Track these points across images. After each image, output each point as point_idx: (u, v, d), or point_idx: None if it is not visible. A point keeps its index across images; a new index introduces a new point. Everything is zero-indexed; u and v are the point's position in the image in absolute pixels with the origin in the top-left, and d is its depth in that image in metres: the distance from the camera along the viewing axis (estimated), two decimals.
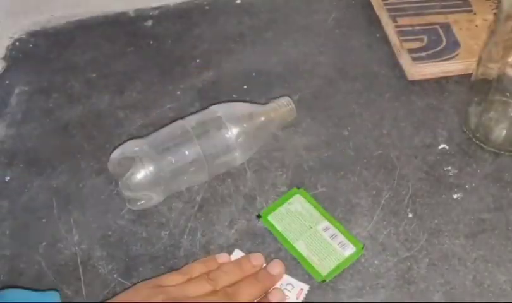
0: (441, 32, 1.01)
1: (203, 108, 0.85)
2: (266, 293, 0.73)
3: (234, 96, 0.94)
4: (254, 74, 0.98)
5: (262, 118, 0.85)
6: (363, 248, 0.78)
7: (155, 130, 0.85)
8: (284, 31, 1.06)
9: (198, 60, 1.00)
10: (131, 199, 0.80)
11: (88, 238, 0.79)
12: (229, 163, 0.83)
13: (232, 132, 0.81)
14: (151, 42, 1.04)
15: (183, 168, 0.80)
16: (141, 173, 0.78)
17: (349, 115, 0.93)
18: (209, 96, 0.95)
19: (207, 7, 1.09)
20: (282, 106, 0.88)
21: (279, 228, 0.79)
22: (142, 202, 0.80)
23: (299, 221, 0.80)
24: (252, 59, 1.00)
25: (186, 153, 0.80)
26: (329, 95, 0.95)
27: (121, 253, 0.78)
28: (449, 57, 0.97)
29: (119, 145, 0.82)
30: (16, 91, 0.96)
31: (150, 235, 0.80)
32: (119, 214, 0.82)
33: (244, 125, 0.82)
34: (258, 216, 0.81)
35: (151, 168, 0.78)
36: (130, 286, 0.74)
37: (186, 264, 0.76)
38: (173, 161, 0.79)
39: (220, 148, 0.81)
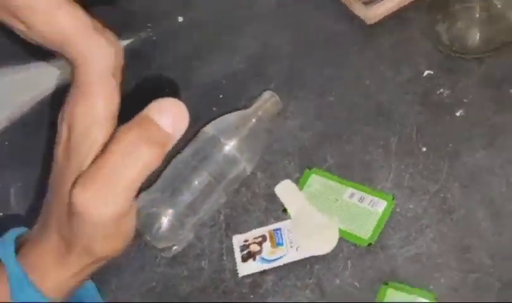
0: None
1: (194, 134, 0.85)
2: None
3: (214, 109, 0.93)
4: (224, 81, 0.97)
5: (253, 120, 0.84)
6: (393, 198, 0.78)
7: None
8: (234, 29, 1.05)
9: (167, 90, 0.99)
10: (165, 248, 0.79)
11: (136, 298, 0.78)
12: (240, 176, 0.82)
13: (231, 144, 0.80)
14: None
15: (199, 198, 0.79)
16: (166, 223, 0.77)
17: (328, 80, 0.92)
18: (209, 96, 0.94)
19: (154, 38, 1.08)
20: (267, 101, 0.87)
21: None
22: (176, 247, 0.79)
23: (324, 198, 0.80)
24: (216, 68, 0.99)
25: (196, 183, 0.79)
26: (301, 71, 0.94)
27: (172, 298, 0.77)
28: None
29: None
30: None
31: (191, 270, 0.79)
32: (155, 262, 0.81)
33: (239, 133, 0.82)
34: (284, 210, 0.80)
35: (171, 213, 0.77)
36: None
37: (236, 283, 0.76)
38: (187, 196, 0.78)
39: (225, 165, 0.80)
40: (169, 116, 0.49)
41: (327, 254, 0.76)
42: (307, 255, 0.76)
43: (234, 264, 0.78)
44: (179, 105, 0.49)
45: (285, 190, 0.82)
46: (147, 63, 1.05)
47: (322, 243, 0.77)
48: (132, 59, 1.06)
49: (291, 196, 0.81)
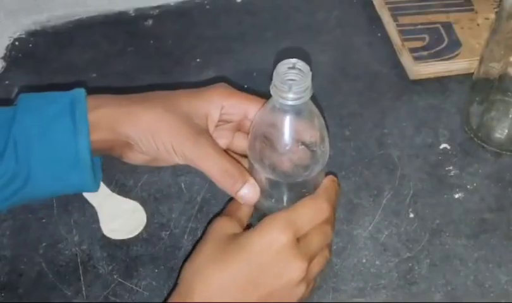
0: (442, 31, 1.00)
1: None
2: None
3: None
4: (255, 74, 0.97)
5: None
6: None
7: None
8: (284, 30, 1.06)
9: (198, 60, 1.00)
10: None
11: (89, 238, 0.79)
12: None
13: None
14: (151, 42, 1.04)
15: None
16: None
17: (351, 114, 0.93)
18: None
19: (208, 7, 1.09)
20: None
21: None
22: None
23: None
24: (253, 58, 1.00)
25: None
26: (330, 95, 0.95)
27: (122, 254, 0.78)
28: (450, 56, 0.97)
29: None
30: (16, 91, 0.95)
31: (151, 236, 0.79)
32: None
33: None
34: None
35: None
36: (130, 286, 0.74)
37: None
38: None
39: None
40: None
41: None
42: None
43: (193, 246, 0.78)
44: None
45: None
46: (189, 26, 1.06)
47: (131, 227, 0.80)
48: (178, 18, 1.07)
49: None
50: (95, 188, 0.74)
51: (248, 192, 0.69)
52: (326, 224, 0.68)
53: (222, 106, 0.73)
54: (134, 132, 0.71)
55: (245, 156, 0.72)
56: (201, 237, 0.69)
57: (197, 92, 0.74)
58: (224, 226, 0.68)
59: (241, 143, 0.76)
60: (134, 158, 0.75)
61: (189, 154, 0.69)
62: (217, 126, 0.74)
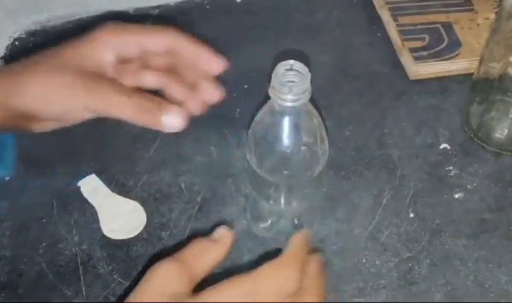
0: (442, 31, 1.00)
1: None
2: None
3: (234, 95, 0.94)
4: (255, 74, 0.97)
5: None
6: None
7: (157, 130, 0.85)
8: (284, 30, 1.05)
9: None
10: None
11: (89, 238, 0.79)
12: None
13: None
14: None
15: None
16: None
17: (351, 114, 0.93)
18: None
19: (208, 6, 1.09)
20: None
21: None
22: None
23: None
24: (253, 58, 1.00)
25: None
26: (330, 95, 0.95)
27: (122, 254, 0.78)
28: (450, 56, 0.97)
29: None
30: None
31: (151, 236, 0.79)
32: None
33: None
34: None
35: None
36: (130, 286, 0.74)
37: None
38: None
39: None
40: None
41: None
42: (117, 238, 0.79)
43: None
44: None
45: (88, 184, 0.84)
46: (189, 26, 1.05)
47: (131, 227, 0.80)
48: (178, 17, 1.07)
49: (94, 190, 0.83)
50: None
51: (171, 119, 0.67)
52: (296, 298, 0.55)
53: (113, 46, 0.69)
54: (29, 103, 0.67)
55: (157, 93, 0.71)
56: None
57: (84, 39, 0.70)
58: (166, 280, 0.54)
59: (152, 79, 0.72)
60: (42, 126, 0.72)
61: (95, 105, 0.66)
62: (118, 67, 0.70)
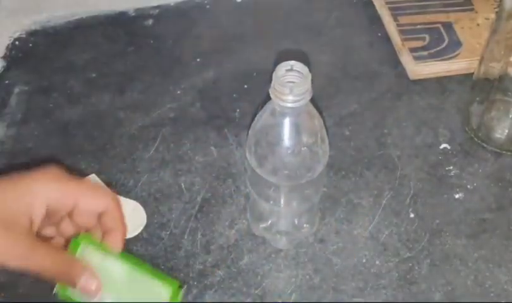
0: (443, 31, 1.00)
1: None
2: None
3: (234, 95, 0.94)
4: (255, 74, 0.97)
5: None
6: (180, 286, 0.64)
7: (157, 131, 0.85)
8: (284, 30, 1.05)
9: (198, 60, 1.00)
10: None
11: None
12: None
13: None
14: (151, 42, 1.04)
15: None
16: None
17: (351, 114, 0.93)
18: (210, 96, 0.94)
19: (208, 6, 1.09)
20: None
21: None
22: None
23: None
24: (253, 58, 1.00)
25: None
26: (330, 94, 0.95)
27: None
28: (450, 56, 0.97)
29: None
30: (16, 90, 0.95)
31: (151, 236, 0.79)
32: None
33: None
34: None
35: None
36: None
37: (186, 264, 0.76)
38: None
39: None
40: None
41: None
42: None
43: (194, 245, 0.78)
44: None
45: None
46: (189, 26, 1.06)
47: (131, 227, 0.76)
48: (178, 18, 1.07)
49: None
50: None
51: (86, 283, 0.62)
52: None
53: (48, 200, 0.61)
54: None
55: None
56: None
57: (18, 185, 0.62)
58: None
59: (68, 229, 0.65)
60: None
61: (16, 263, 0.58)
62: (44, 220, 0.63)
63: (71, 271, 0.61)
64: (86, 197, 0.63)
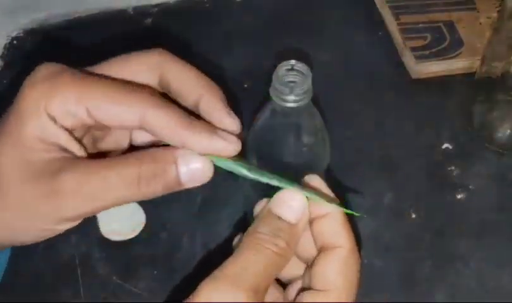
0: (444, 30, 1.00)
1: None
2: None
3: (234, 95, 0.94)
4: (255, 74, 0.96)
5: None
6: None
7: None
8: (285, 30, 1.05)
9: (198, 59, 0.99)
10: None
11: (87, 239, 0.78)
12: None
13: None
14: (150, 41, 1.03)
15: None
16: None
17: (351, 114, 0.92)
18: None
19: (207, 5, 1.08)
20: None
21: None
22: None
23: None
24: (253, 58, 0.99)
25: None
26: (330, 94, 0.94)
27: (120, 254, 0.77)
28: (452, 55, 0.96)
29: None
30: (14, 90, 0.95)
31: (150, 236, 0.79)
32: None
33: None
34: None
35: None
36: (129, 287, 0.74)
37: (186, 265, 0.76)
38: None
39: None
40: (291, 209, 0.50)
41: None
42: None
43: (194, 245, 0.78)
44: (298, 197, 0.51)
45: None
46: (189, 25, 1.05)
47: (130, 227, 0.79)
48: (178, 16, 1.06)
49: None
50: None
51: (188, 170, 0.50)
52: None
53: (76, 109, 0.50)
54: None
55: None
56: None
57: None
58: None
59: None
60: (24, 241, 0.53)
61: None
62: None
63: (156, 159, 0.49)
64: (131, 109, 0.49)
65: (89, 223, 0.79)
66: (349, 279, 0.50)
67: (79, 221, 0.51)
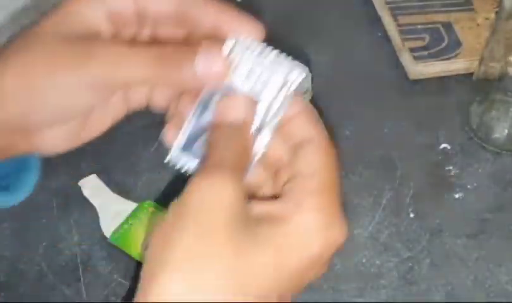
0: (443, 31, 1.00)
1: None
2: None
3: None
4: None
5: None
6: None
7: (157, 131, 0.85)
8: (285, 30, 1.05)
9: None
10: None
11: (89, 238, 0.79)
12: None
13: None
14: None
15: None
16: None
17: (350, 115, 0.92)
18: None
19: None
20: None
21: None
22: None
23: None
24: None
25: None
26: (329, 94, 0.94)
27: (122, 253, 0.78)
28: (450, 56, 0.97)
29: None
30: None
31: None
32: None
33: None
34: None
35: None
36: (129, 288, 0.74)
37: None
38: None
39: None
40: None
41: None
42: None
43: None
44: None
45: (89, 184, 0.84)
46: None
47: None
48: None
49: (94, 190, 0.83)
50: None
51: (207, 64, 0.49)
52: None
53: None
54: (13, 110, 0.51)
55: None
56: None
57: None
58: (233, 204, 0.44)
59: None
60: (46, 140, 0.54)
61: (97, 72, 0.48)
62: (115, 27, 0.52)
63: (175, 54, 0.49)
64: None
65: (90, 223, 0.80)
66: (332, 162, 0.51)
67: (101, 96, 0.53)
